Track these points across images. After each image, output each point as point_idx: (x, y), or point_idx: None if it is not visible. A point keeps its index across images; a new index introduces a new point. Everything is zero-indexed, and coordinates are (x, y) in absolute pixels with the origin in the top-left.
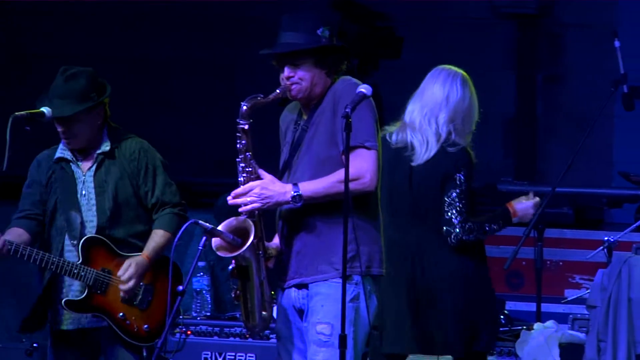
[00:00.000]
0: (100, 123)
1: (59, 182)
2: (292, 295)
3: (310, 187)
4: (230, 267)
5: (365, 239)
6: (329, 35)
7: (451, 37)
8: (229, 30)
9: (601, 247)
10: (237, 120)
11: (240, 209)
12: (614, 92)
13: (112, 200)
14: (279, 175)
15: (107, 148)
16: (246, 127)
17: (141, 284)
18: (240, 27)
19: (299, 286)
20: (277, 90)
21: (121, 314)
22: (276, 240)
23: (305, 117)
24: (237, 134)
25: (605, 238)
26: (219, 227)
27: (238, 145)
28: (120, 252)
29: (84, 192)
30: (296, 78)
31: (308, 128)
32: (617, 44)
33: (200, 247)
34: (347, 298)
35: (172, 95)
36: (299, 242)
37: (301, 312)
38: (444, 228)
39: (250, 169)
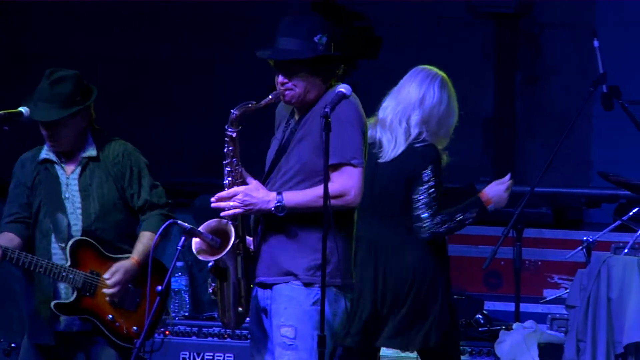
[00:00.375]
0: (85, 126)
1: (44, 183)
2: (258, 294)
3: (294, 198)
4: (209, 264)
5: (334, 250)
6: (327, 42)
7: (430, 37)
8: (212, 30)
9: (580, 247)
10: (226, 127)
11: (221, 214)
12: (593, 91)
13: (97, 204)
14: (264, 176)
15: (94, 153)
16: (234, 134)
17: (129, 285)
18: (222, 26)
19: (264, 285)
20: (270, 96)
21: (110, 316)
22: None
23: (297, 117)
24: (225, 140)
25: (584, 238)
26: (199, 228)
27: (225, 150)
28: (109, 255)
29: (67, 195)
30: (290, 84)
31: (297, 131)
32: (596, 43)
33: (179, 247)
34: (310, 301)
35: (151, 96)
36: (270, 241)
37: (265, 311)
38: (415, 225)
39: (235, 174)
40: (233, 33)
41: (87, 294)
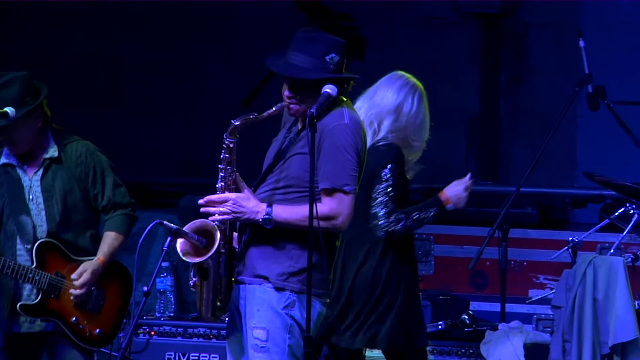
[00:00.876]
0: (41, 125)
1: (6, 185)
2: (234, 293)
3: (283, 214)
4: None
5: (313, 259)
6: (338, 61)
7: (414, 37)
8: (197, 29)
9: (566, 247)
10: (224, 135)
11: (210, 218)
12: (579, 92)
13: (61, 205)
14: (259, 178)
15: (55, 154)
16: (232, 145)
17: (92, 288)
18: (208, 26)
19: (238, 283)
20: (274, 108)
21: (74, 318)
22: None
23: (299, 125)
24: (223, 147)
25: (570, 238)
26: (185, 228)
27: (221, 156)
28: (73, 257)
29: (31, 197)
30: (296, 99)
31: (297, 141)
32: (581, 43)
33: (165, 248)
34: (281, 305)
35: (134, 96)
36: (251, 243)
37: (238, 311)
38: (372, 224)
39: (230, 179)
40: (220, 33)
41: (52, 295)
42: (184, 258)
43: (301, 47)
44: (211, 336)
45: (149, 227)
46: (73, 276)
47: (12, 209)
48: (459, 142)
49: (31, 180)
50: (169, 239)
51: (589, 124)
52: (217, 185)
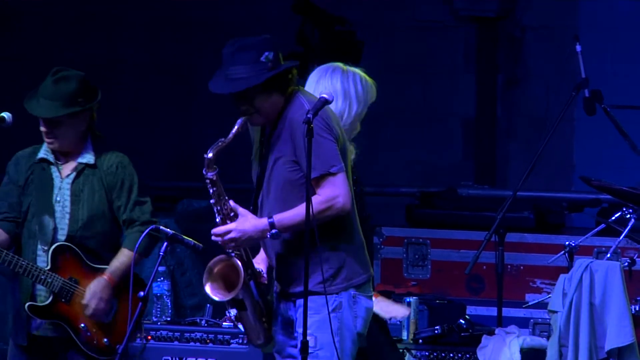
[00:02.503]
0: (85, 129)
1: (36, 184)
2: (281, 305)
3: (286, 221)
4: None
5: (342, 254)
6: (274, 55)
7: (411, 40)
8: (191, 32)
9: (562, 252)
10: (204, 171)
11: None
12: (575, 95)
13: (86, 212)
14: (253, 198)
15: (92, 160)
16: (214, 177)
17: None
18: (202, 28)
19: (285, 295)
20: (236, 126)
21: (83, 324)
22: (262, 254)
23: (268, 130)
24: (207, 183)
25: (567, 242)
26: (207, 275)
27: (210, 192)
28: (90, 264)
29: (58, 199)
30: (253, 110)
31: (270, 150)
32: (578, 48)
33: (161, 253)
34: (329, 309)
35: (130, 99)
36: (281, 257)
37: (290, 322)
38: None
39: (226, 210)
40: (216, 36)
41: (63, 299)
42: (213, 297)
43: (234, 60)
44: (208, 341)
45: (145, 231)
46: (83, 302)
47: (38, 208)
48: (456, 145)
49: (62, 182)
50: (165, 243)
51: (585, 128)
52: (216, 221)
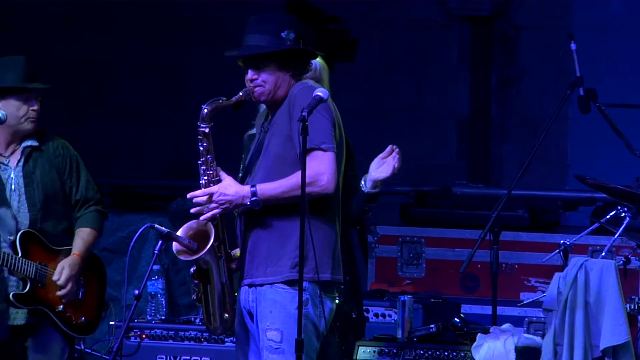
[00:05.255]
0: None
1: None
2: (243, 296)
3: (268, 190)
4: (192, 269)
5: (317, 244)
6: (294, 37)
7: (405, 39)
8: (184, 32)
9: (557, 250)
10: (198, 123)
11: (201, 217)
12: (570, 94)
13: (42, 192)
14: (242, 175)
15: (36, 143)
16: (207, 130)
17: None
18: (196, 28)
19: (250, 286)
20: (240, 93)
21: (61, 307)
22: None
23: (270, 117)
24: (199, 137)
25: (561, 241)
26: (179, 232)
27: (200, 148)
28: (53, 247)
29: (13, 187)
30: (259, 81)
31: (268, 130)
32: (573, 46)
33: (156, 251)
34: (294, 305)
35: (123, 99)
36: (252, 240)
37: (250, 314)
38: None
39: (211, 172)
40: (208, 36)
41: (39, 285)
42: (178, 256)
43: (255, 28)
44: (202, 339)
45: (140, 230)
46: (54, 278)
47: None
48: (450, 144)
49: (14, 170)
50: (160, 242)
51: (580, 126)
52: (200, 182)
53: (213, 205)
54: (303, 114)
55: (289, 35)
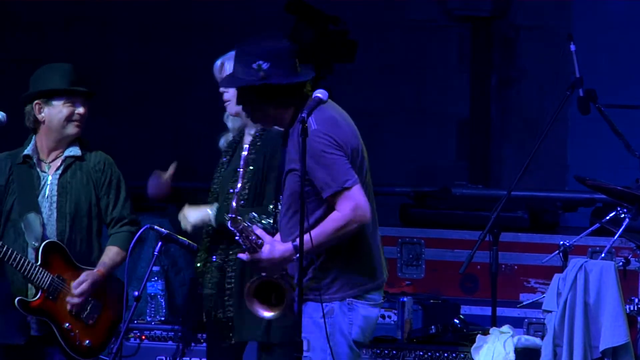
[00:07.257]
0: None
1: (17, 182)
2: None
3: (309, 244)
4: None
5: (341, 264)
6: (269, 68)
7: (405, 39)
8: (184, 32)
9: (557, 251)
10: (230, 227)
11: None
12: (570, 95)
13: (73, 204)
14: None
15: (79, 153)
16: (240, 226)
17: (90, 299)
18: (196, 28)
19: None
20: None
21: (67, 324)
22: None
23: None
24: (235, 237)
25: (561, 242)
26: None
27: (237, 238)
28: (76, 263)
29: (46, 194)
30: (248, 109)
31: (284, 158)
32: (572, 47)
33: (155, 253)
34: (319, 314)
35: (125, 99)
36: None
37: None
38: None
39: (252, 243)
40: (206, 34)
41: (51, 297)
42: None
43: (236, 58)
44: (202, 340)
45: (140, 231)
46: (73, 285)
47: (23, 206)
48: (450, 145)
49: (51, 177)
50: (159, 243)
51: (579, 127)
52: (242, 247)
53: (264, 273)
54: (302, 115)
55: (260, 67)
